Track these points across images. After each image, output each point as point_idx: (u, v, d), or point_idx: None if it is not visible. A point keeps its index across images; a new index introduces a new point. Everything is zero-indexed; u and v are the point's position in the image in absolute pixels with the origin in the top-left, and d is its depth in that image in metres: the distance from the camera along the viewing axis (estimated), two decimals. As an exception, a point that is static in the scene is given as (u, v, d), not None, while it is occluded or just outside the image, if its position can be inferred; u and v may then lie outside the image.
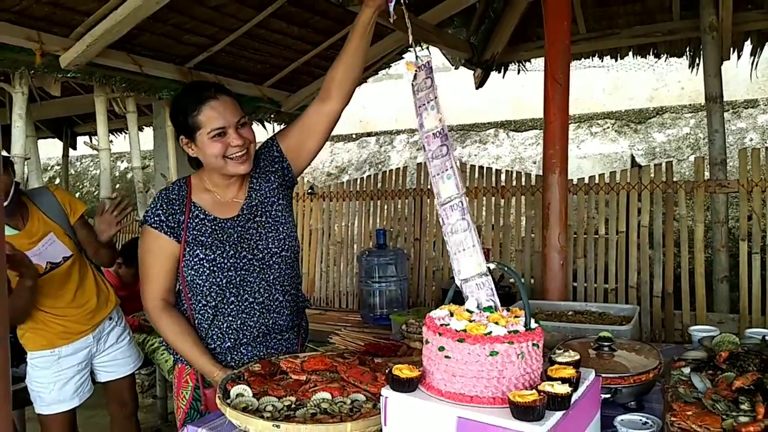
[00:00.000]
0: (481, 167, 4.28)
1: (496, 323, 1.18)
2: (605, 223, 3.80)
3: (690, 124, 5.99)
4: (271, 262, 1.72)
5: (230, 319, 1.71)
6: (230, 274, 1.68)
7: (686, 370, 1.60)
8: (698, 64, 3.94)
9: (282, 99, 4.11)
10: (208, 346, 1.74)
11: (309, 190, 4.68)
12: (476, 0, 3.74)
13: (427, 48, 1.63)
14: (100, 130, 3.31)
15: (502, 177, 4.16)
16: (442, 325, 1.20)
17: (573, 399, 1.13)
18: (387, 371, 1.22)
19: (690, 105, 6.10)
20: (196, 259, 1.67)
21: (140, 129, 3.89)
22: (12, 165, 2.42)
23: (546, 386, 1.11)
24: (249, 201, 1.75)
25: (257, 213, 1.74)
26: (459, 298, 1.34)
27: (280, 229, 1.75)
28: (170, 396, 3.73)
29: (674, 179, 3.66)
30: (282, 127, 4.22)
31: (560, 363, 1.25)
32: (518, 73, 4.62)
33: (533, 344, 1.15)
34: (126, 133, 5.39)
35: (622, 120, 6.38)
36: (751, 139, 5.59)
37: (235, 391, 1.46)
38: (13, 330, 2.39)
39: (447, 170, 1.40)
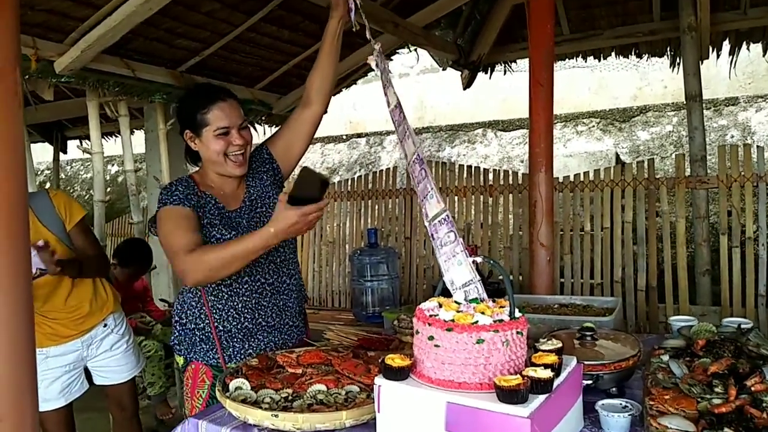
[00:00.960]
0: (469, 167, 4.36)
1: (483, 313, 1.25)
2: (590, 219, 3.90)
3: (673, 122, 6.10)
4: (276, 246, 1.80)
5: (245, 299, 1.81)
6: None
7: (665, 358, 1.68)
8: (679, 64, 4.04)
9: (273, 101, 4.16)
10: (226, 327, 1.80)
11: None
12: (463, 3, 3.81)
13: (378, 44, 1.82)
14: (93, 134, 3.34)
15: (490, 176, 4.24)
16: (431, 315, 1.27)
17: (555, 384, 1.20)
18: (380, 361, 1.29)
19: (673, 103, 6.22)
20: (213, 240, 1.76)
21: (131, 132, 3.93)
22: None
23: (530, 371, 1.18)
24: (248, 195, 1.88)
25: (257, 205, 1.87)
26: (447, 292, 1.41)
27: None
28: (170, 395, 3.76)
29: (656, 176, 3.76)
30: (273, 127, 4.30)
31: (544, 350, 1.33)
32: (504, 73, 4.70)
33: (517, 332, 1.22)
34: (117, 136, 5.40)
35: (607, 119, 6.49)
36: (732, 136, 5.71)
37: (233, 384, 1.52)
38: None
39: (429, 192, 1.53)
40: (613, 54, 4.31)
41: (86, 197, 8.98)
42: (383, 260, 3.86)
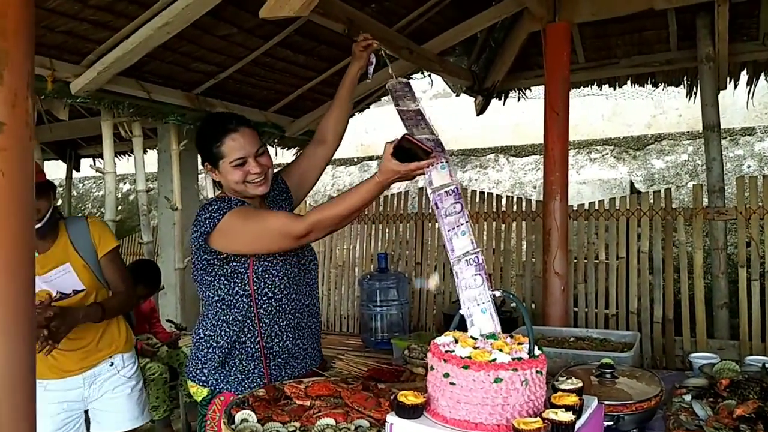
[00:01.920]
0: (481, 192, 4.32)
1: (501, 350, 1.21)
2: (605, 248, 3.84)
3: (688, 150, 6.05)
4: (310, 267, 1.92)
5: (289, 317, 1.81)
6: (294, 270, 1.82)
7: (687, 398, 1.62)
8: (696, 93, 4.00)
9: (286, 124, 4.16)
10: (268, 344, 1.78)
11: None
12: (478, 30, 3.81)
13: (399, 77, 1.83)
14: (107, 154, 3.35)
15: (503, 202, 4.20)
16: (447, 351, 1.22)
17: (576, 427, 1.15)
18: (392, 397, 1.24)
19: (688, 132, 6.18)
20: (258, 256, 1.77)
21: (144, 152, 3.94)
22: (54, 189, 2.30)
23: (550, 414, 1.13)
24: None
25: None
26: (463, 325, 1.36)
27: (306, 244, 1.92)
28: (174, 418, 3.71)
29: (673, 206, 3.70)
30: (285, 150, 4.30)
31: (563, 390, 1.27)
32: (518, 100, 4.69)
33: (537, 371, 1.17)
34: (129, 155, 5.44)
35: (621, 146, 6.45)
36: (749, 166, 5.64)
37: (239, 416, 1.47)
38: None
39: (441, 162, 1.53)
40: (628, 83, 4.28)
41: (97, 215, 9.02)
42: (393, 285, 3.81)
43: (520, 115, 6.55)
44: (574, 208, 3.90)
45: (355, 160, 8.01)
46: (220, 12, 2.68)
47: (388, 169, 1.53)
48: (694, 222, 3.59)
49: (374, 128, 7.72)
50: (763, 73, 3.91)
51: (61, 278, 2.21)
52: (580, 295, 3.88)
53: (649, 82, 4.22)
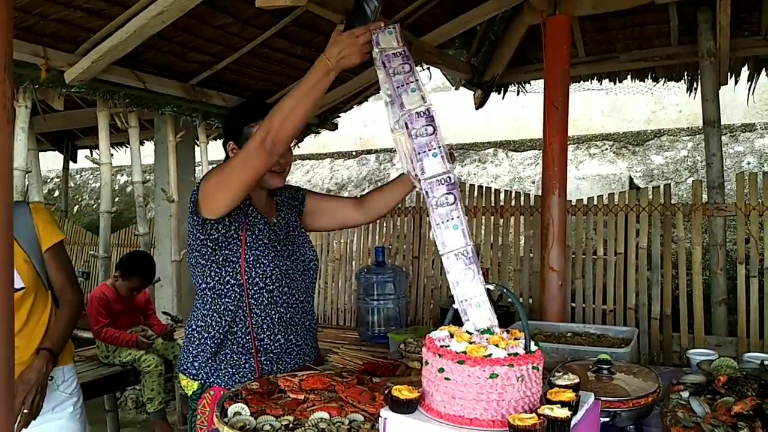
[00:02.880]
0: (480, 186, 4.30)
1: (496, 345, 1.19)
2: (604, 244, 3.82)
3: (688, 146, 6.03)
4: (310, 266, 1.89)
5: (281, 310, 1.78)
6: (287, 263, 1.79)
7: (685, 394, 1.61)
8: (696, 89, 3.98)
9: (283, 116, 4.14)
10: (259, 337, 1.75)
11: None
12: (478, 23, 3.78)
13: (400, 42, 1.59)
14: (102, 145, 3.33)
15: (501, 197, 4.18)
16: (442, 346, 1.20)
17: (572, 423, 1.13)
18: (386, 392, 1.22)
19: (688, 128, 6.15)
20: (260, 242, 1.76)
21: (141, 143, 3.92)
22: None
23: (545, 410, 1.11)
24: (279, 218, 1.90)
25: (289, 228, 1.90)
26: (459, 319, 1.34)
27: (309, 242, 1.95)
28: (169, 411, 3.70)
29: (672, 202, 3.68)
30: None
31: (559, 386, 1.25)
32: (518, 94, 4.66)
33: (533, 367, 1.16)
34: (126, 146, 5.41)
35: (621, 142, 6.42)
36: (749, 163, 5.63)
37: (232, 409, 1.45)
38: None
39: (434, 149, 1.41)
40: (629, 77, 4.25)
41: (94, 206, 8.99)
42: (390, 279, 3.80)
43: (519, 110, 6.52)
44: (573, 203, 3.88)
45: (354, 153, 7.97)
46: (217, 1, 2.65)
47: (333, 42, 1.50)
48: (693, 218, 3.57)
49: (373, 121, 7.69)
50: (764, 69, 3.88)
51: None
52: (577, 291, 3.87)
53: (649, 77, 4.20)
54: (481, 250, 4.18)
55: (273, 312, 1.77)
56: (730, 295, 3.61)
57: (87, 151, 6.38)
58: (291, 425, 1.41)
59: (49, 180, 9.62)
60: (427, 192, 1.40)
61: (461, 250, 1.35)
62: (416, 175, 1.47)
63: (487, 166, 6.88)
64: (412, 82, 1.45)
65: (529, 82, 4.58)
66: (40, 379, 1.85)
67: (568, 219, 3.46)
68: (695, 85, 4.00)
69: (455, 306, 1.35)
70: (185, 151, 4.40)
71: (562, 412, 1.10)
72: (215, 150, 3.04)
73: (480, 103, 4.55)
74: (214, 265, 1.74)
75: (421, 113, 1.43)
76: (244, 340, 1.75)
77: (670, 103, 6.31)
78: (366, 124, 7.74)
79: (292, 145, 1.85)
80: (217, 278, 1.75)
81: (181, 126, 3.65)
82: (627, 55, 4.05)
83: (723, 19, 3.29)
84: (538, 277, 3.39)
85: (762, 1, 3.39)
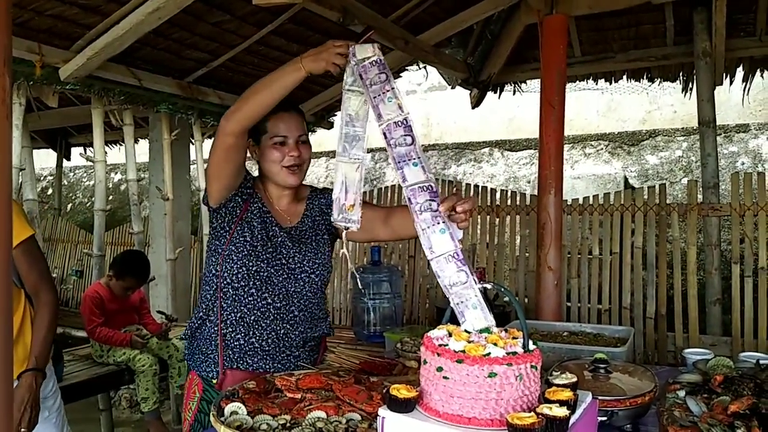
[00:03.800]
0: (476, 186, 4.30)
1: (495, 344, 1.18)
2: (599, 243, 3.83)
3: (682, 147, 6.05)
4: (300, 276, 1.79)
5: (245, 310, 1.75)
6: (261, 265, 1.74)
7: (681, 394, 1.61)
8: (691, 89, 3.99)
9: (279, 114, 4.13)
10: (222, 332, 1.75)
11: None
12: (474, 22, 3.78)
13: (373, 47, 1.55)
14: (96, 142, 3.31)
15: (497, 196, 4.18)
16: (440, 345, 1.20)
17: (570, 422, 1.13)
18: (384, 391, 1.22)
19: (683, 128, 6.17)
20: (242, 238, 1.75)
21: (135, 141, 3.90)
22: None
23: (544, 409, 1.11)
24: (301, 223, 1.85)
25: (304, 237, 1.83)
26: (456, 319, 1.34)
27: (319, 256, 1.84)
28: (164, 410, 3.68)
29: (667, 202, 3.69)
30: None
31: (557, 385, 1.25)
32: (514, 93, 4.67)
33: (531, 366, 1.15)
34: (121, 144, 5.39)
35: (616, 142, 6.44)
36: (743, 163, 5.65)
37: (229, 408, 1.45)
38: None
39: (413, 159, 1.40)
40: (624, 77, 4.26)
41: (88, 204, 8.95)
42: (386, 278, 3.79)
43: (515, 109, 6.52)
44: (569, 203, 3.89)
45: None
46: (213, -2, 2.64)
47: (312, 50, 1.52)
48: (688, 218, 3.59)
49: (369, 120, 7.67)
50: (759, 70, 3.90)
51: None
52: (573, 290, 3.88)
53: (644, 77, 4.21)
54: (477, 249, 4.19)
55: (236, 311, 1.75)
56: (725, 294, 3.62)
57: (81, 149, 6.35)
58: (288, 424, 1.40)
59: (42, 178, 9.56)
60: (409, 199, 1.37)
61: (451, 252, 1.33)
62: (343, 204, 1.51)
63: (483, 166, 6.88)
64: (388, 91, 1.42)
65: (525, 82, 4.58)
66: (32, 395, 1.83)
67: (564, 218, 3.47)
68: (690, 85, 4.02)
69: (452, 306, 1.34)
70: (180, 149, 4.38)
71: (561, 411, 1.10)
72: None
73: (476, 103, 4.55)
74: (209, 252, 1.81)
75: (400, 123, 1.42)
76: (213, 331, 1.77)
77: (665, 104, 6.33)
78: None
79: (303, 140, 1.79)
80: (207, 265, 1.82)
81: (176, 124, 3.63)
82: (623, 55, 4.06)
83: (719, 19, 3.30)
84: (534, 277, 3.40)
85: (757, 2, 3.41)
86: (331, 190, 1.71)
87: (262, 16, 2.93)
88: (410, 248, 4.44)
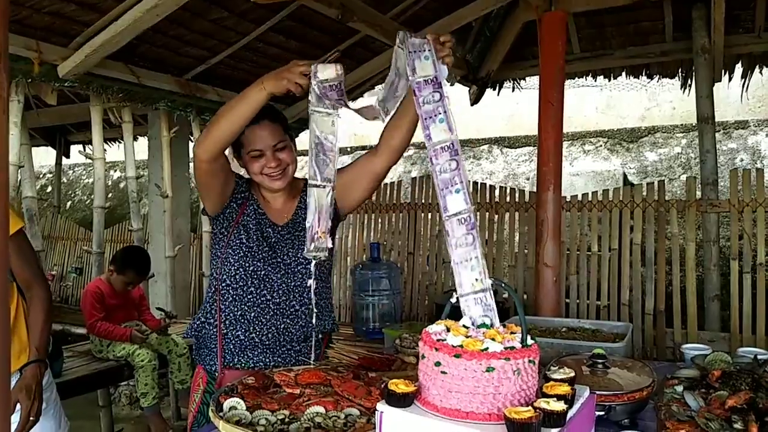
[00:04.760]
0: (475, 183, 4.31)
1: (493, 339, 1.19)
2: (598, 240, 3.83)
3: (681, 143, 6.05)
4: (296, 269, 1.81)
5: (245, 308, 1.78)
6: (258, 264, 1.77)
7: (679, 389, 1.61)
8: (690, 85, 3.99)
9: (278, 112, 4.12)
10: (223, 330, 1.79)
11: None
12: (473, 19, 3.78)
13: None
14: (95, 140, 3.31)
15: (496, 193, 4.18)
16: (438, 340, 1.20)
17: (568, 416, 1.13)
18: (383, 386, 1.22)
19: (681, 125, 6.18)
20: (237, 240, 1.78)
21: (134, 138, 3.89)
22: None
23: (541, 403, 1.11)
24: (295, 218, 1.87)
25: (298, 230, 1.84)
26: (455, 314, 1.34)
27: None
28: (164, 406, 3.69)
29: (666, 198, 3.70)
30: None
31: (555, 380, 1.26)
32: (513, 90, 4.67)
33: (529, 361, 1.16)
34: (120, 142, 5.39)
35: (615, 138, 6.44)
36: (742, 160, 5.66)
37: (228, 404, 1.45)
38: None
39: (456, 185, 1.39)
40: (623, 74, 4.26)
41: (87, 202, 8.95)
42: (385, 275, 3.79)
43: (514, 106, 6.52)
44: (567, 200, 3.89)
45: (349, 149, 7.96)
46: (211, -5, 2.64)
47: (275, 70, 1.54)
48: (687, 214, 3.59)
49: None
50: (758, 66, 3.89)
51: None
52: (572, 287, 3.88)
53: (643, 73, 4.21)
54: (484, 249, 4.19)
55: (236, 309, 1.79)
56: (723, 290, 3.63)
57: (80, 147, 6.35)
58: (287, 419, 1.40)
59: (41, 175, 9.55)
60: (431, 159, 1.39)
61: (465, 215, 1.36)
62: (315, 233, 1.57)
63: (482, 163, 6.89)
64: (457, 183, 1.37)
65: (524, 79, 4.58)
66: (38, 385, 1.86)
67: (563, 215, 3.47)
68: (689, 81, 4.02)
69: (453, 301, 1.35)
70: (179, 147, 4.38)
71: (558, 406, 1.11)
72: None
73: (475, 99, 4.55)
74: (211, 256, 1.88)
75: (462, 220, 1.39)
76: (213, 328, 1.82)
77: (664, 100, 6.33)
78: (361, 120, 7.72)
79: (293, 144, 1.82)
80: (210, 269, 1.89)
81: (175, 121, 3.63)
82: (622, 51, 4.06)
83: (717, 16, 3.30)
84: (533, 273, 3.40)
85: (756, -2, 3.41)
86: None
87: (260, 13, 2.93)
88: (409, 245, 4.44)
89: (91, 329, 3.34)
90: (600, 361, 1.65)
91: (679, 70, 4.08)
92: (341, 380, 1.59)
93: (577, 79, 4.50)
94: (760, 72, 3.94)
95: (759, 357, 1.81)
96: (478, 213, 4.21)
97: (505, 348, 1.16)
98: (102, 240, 3.50)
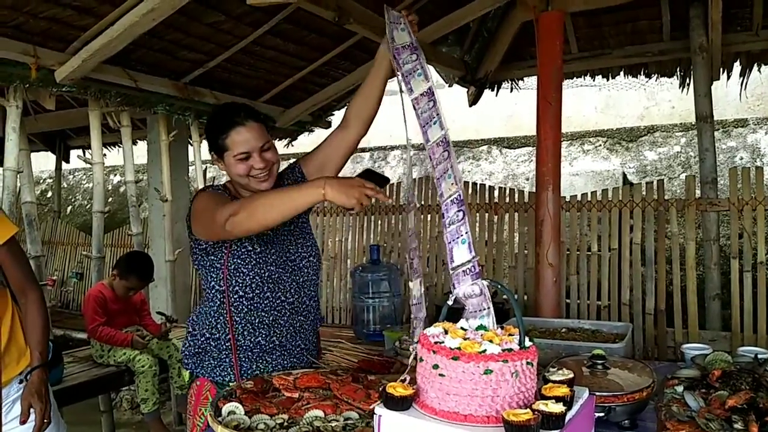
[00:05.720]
0: (474, 184, 4.30)
1: (491, 341, 1.18)
2: (598, 240, 3.82)
3: (681, 142, 6.05)
4: (301, 265, 1.83)
5: (263, 314, 1.77)
6: (271, 269, 1.76)
7: (679, 389, 1.61)
8: (688, 84, 3.99)
9: (277, 114, 4.13)
10: (239, 342, 1.76)
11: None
12: (470, 19, 3.78)
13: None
14: (94, 144, 3.31)
15: (496, 194, 4.18)
16: (436, 342, 1.20)
17: (567, 418, 1.13)
18: (381, 389, 1.22)
19: (681, 124, 6.17)
20: (244, 249, 1.74)
21: (134, 143, 3.90)
22: None
23: (540, 405, 1.11)
24: None
25: (287, 223, 1.81)
26: (453, 316, 1.34)
27: (307, 237, 1.89)
28: (164, 411, 3.68)
29: (666, 197, 3.69)
30: (276, 141, 4.25)
31: (554, 381, 1.25)
32: (511, 91, 4.66)
33: (527, 363, 1.15)
34: (119, 146, 5.38)
35: (614, 138, 6.44)
36: (741, 158, 5.65)
37: (227, 408, 1.45)
38: None
39: (448, 170, 1.48)
40: (621, 74, 4.26)
41: (88, 207, 8.95)
42: (385, 277, 3.79)
43: (513, 107, 6.52)
44: (567, 200, 3.88)
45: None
46: (208, -1, 2.64)
47: (345, 178, 1.49)
48: (687, 213, 3.58)
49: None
50: (756, 64, 3.89)
51: None
52: (572, 287, 3.88)
53: (642, 72, 4.20)
54: (476, 247, 4.18)
55: (253, 317, 1.77)
56: (724, 289, 3.62)
57: (80, 151, 6.35)
58: (286, 423, 1.40)
59: (42, 181, 9.56)
60: (443, 213, 1.45)
61: (468, 266, 1.37)
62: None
63: (482, 164, 6.88)
64: (463, 234, 1.41)
65: (522, 79, 4.58)
66: (45, 389, 1.89)
67: (562, 215, 3.47)
68: (688, 80, 4.01)
69: (449, 303, 1.34)
70: (178, 151, 4.38)
71: (557, 408, 1.10)
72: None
73: (474, 100, 4.54)
74: (203, 269, 1.80)
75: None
76: (225, 340, 1.77)
77: (663, 99, 6.33)
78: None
79: (284, 144, 1.83)
80: (206, 282, 1.80)
81: (173, 125, 3.63)
82: (619, 51, 4.06)
83: (715, 14, 3.29)
84: (533, 274, 3.40)
85: (753, -4, 3.40)
86: (291, 166, 1.89)
87: (257, 16, 2.92)
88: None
89: (92, 334, 3.34)
90: (600, 361, 1.64)
91: (678, 69, 4.07)
92: (340, 383, 1.59)
93: (575, 79, 4.50)
94: (759, 70, 3.93)
95: (759, 356, 1.80)
96: (477, 214, 4.21)
97: (503, 350, 1.15)
98: (102, 245, 3.50)
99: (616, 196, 3.80)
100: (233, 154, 1.72)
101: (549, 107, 2.96)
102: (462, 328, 1.27)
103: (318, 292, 1.92)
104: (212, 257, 1.76)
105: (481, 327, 1.28)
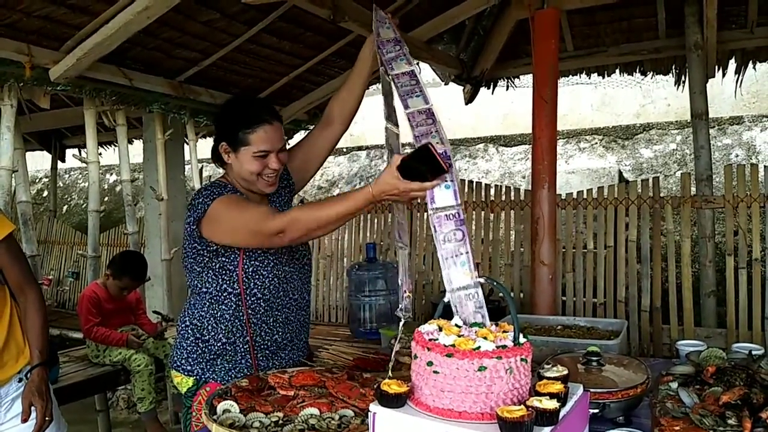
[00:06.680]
0: (470, 182, 4.30)
1: (485, 338, 1.19)
2: (593, 237, 3.83)
3: (676, 140, 6.06)
4: (303, 262, 1.87)
5: (277, 313, 1.79)
6: (285, 269, 1.79)
7: (674, 385, 1.61)
8: (684, 82, 3.99)
9: (272, 113, 4.11)
10: (257, 341, 1.76)
11: (299, 204, 4.68)
12: (466, 17, 3.77)
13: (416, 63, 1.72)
14: (90, 143, 3.30)
15: (492, 191, 4.19)
16: (430, 340, 1.20)
17: (561, 414, 1.13)
18: (375, 386, 1.22)
19: (676, 121, 6.19)
20: (260, 251, 1.74)
21: (130, 142, 3.89)
22: None
23: (534, 401, 1.11)
24: (280, 208, 1.88)
25: None
26: (448, 313, 1.34)
27: None
28: (161, 410, 3.68)
29: (661, 195, 3.70)
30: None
31: (548, 378, 1.26)
32: (507, 89, 4.66)
33: (521, 359, 1.16)
34: (115, 145, 5.37)
35: (610, 136, 6.45)
36: (737, 155, 5.66)
37: (221, 407, 1.45)
38: None
39: (431, 132, 1.47)
40: (617, 71, 4.26)
41: (83, 206, 8.92)
42: (381, 275, 3.78)
43: (509, 105, 6.53)
44: (563, 197, 3.89)
45: (344, 150, 7.96)
46: (203, -3, 2.63)
47: (386, 182, 1.40)
48: (682, 211, 3.59)
49: (363, 118, 7.63)
50: (751, 62, 3.90)
51: None
52: (568, 284, 3.88)
53: (637, 70, 4.21)
54: (472, 245, 4.19)
55: (270, 317, 1.78)
56: (719, 286, 3.63)
57: (75, 151, 6.34)
58: (281, 422, 1.40)
59: (37, 180, 9.53)
60: (435, 226, 1.37)
61: (470, 291, 1.33)
62: (404, 291, 1.50)
63: (478, 162, 6.89)
64: (462, 254, 1.36)
65: (518, 77, 4.58)
66: (46, 387, 1.91)
67: (558, 213, 3.47)
68: (683, 78, 4.01)
69: (445, 300, 1.35)
70: (174, 149, 4.37)
71: (551, 404, 1.11)
72: (205, 147, 3.02)
73: (470, 99, 4.54)
74: (210, 272, 1.73)
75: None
76: (242, 342, 1.75)
77: (659, 97, 6.34)
78: (356, 120, 7.70)
79: (282, 149, 1.80)
80: (214, 285, 1.74)
81: (169, 124, 3.62)
82: (615, 48, 4.06)
83: (710, 12, 3.30)
84: (529, 271, 3.40)
85: (748, -7, 3.41)
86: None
87: (252, 14, 2.92)
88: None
89: (87, 334, 3.33)
90: (594, 358, 1.65)
91: (673, 67, 4.08)
92: (335, 381, 1.59)
93: (571, 76, 4.50)
94: (754, 67, 3.94)
95: (753, 353, 1.81)
96: (473, 211, 4.21)
97: (497, 347, 1.16)
98: (97, 244, 3.49)
99: (612, 193, 3.81)
100: (253, 150, 1.70)
101: (545, 105, 2.96)
102: (456, 326, 1.27)
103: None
104: (223, 259, 1.72)
105: (476, 324, 1.28)
